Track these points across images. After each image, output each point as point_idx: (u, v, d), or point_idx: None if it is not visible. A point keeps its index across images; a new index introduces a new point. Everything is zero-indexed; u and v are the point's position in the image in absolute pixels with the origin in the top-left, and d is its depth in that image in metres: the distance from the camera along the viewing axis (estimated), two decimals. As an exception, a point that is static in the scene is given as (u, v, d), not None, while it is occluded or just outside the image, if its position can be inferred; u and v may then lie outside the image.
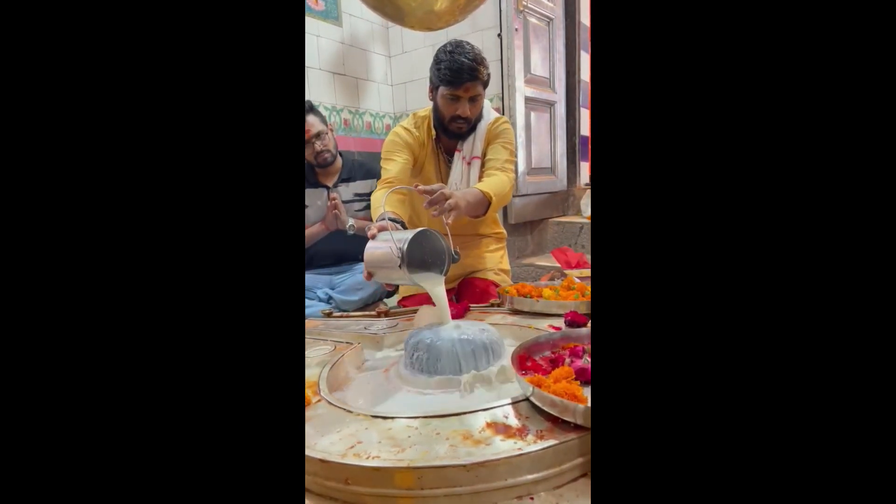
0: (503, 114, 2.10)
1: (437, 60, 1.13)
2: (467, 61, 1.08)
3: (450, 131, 1.19)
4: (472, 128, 1.21)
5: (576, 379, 0.54)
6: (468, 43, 1.13)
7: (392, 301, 1.57)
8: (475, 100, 1.15)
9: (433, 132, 1.24)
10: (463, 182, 1.23)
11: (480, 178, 1.23)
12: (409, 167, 1.19)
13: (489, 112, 1.26)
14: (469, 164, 1.24)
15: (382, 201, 0.92)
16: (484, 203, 1.08)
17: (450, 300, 1.07)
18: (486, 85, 1.15)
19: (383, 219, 0.85)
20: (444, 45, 1.13)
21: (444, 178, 1.30)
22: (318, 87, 2.12)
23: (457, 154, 1.24)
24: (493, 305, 1.05)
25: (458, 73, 1.09)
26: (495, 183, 1.13)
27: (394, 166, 1.16)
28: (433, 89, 1.18)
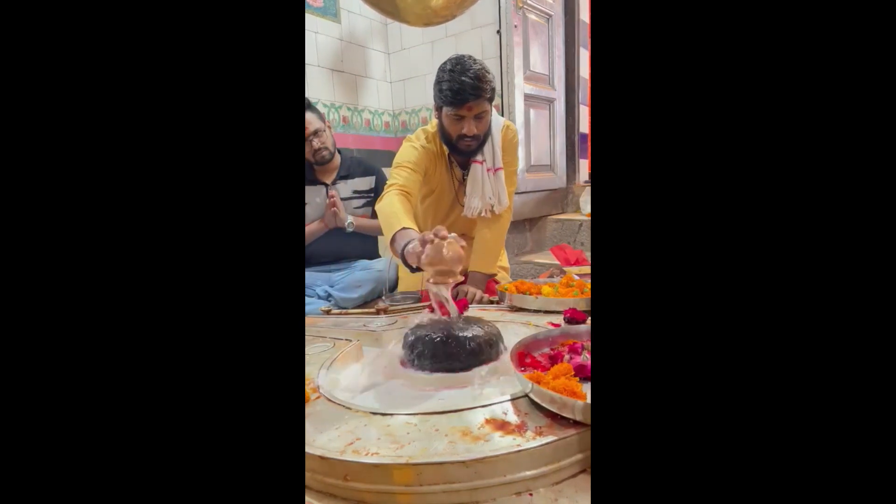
0: (502, 111, 2.10)
1: (439, 80, 1.09)
2: (468, 80, 1.04)
3: (458, 149, 1.16)
4: (482, 143, 1.18)
5: (574, 375, 0.54)
6: (470, 57, 1.08)
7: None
8: (481, 117, 1.11)
9: (445, 148, 1.22)
10: (495, 195, 1.22)
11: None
12: (419, 181, 1.18)
13: (497, 117, 1.24)
14: (495, 173, 1.22)
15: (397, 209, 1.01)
16: (490, 277, 1.25)
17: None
18: (491, 100, 1.11)
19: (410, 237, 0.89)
20: (445, 63, 1.09)
21: (456, 190, 1.27)
22: (316, 84, 2.11)
23: (477, 166, 1.21)
24: (492, 302, 1.05)
25: (460, 93, 1.05)
26: (495, 252, 1.25)
27: (404, 175, 1.14)
28: (437, 108, 1.15)
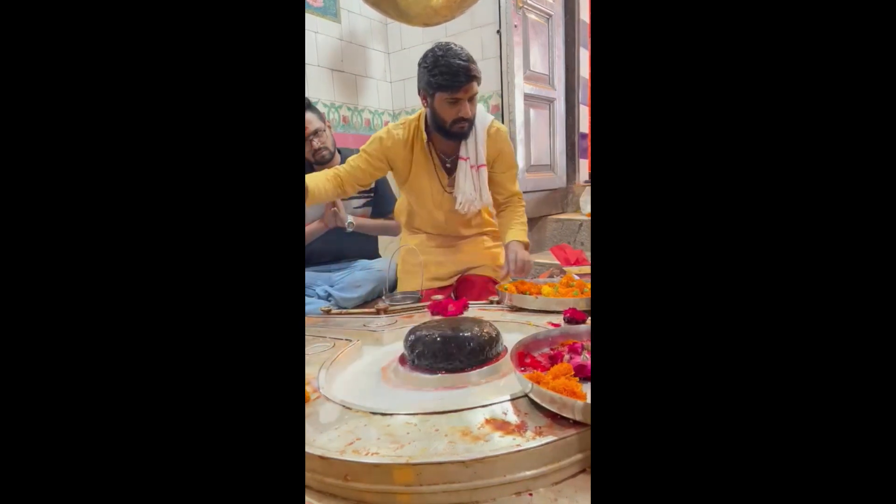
0: (502, 111, 2.10)
1: (430, 66, 1.10)
2: (462, 62, 1.07)
3: (453, 134, 1.18)
4: (472, 125, 1.20)
5: (574, 375, 0.54)
6: (454, 43, 1.12)
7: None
8: (473, 99, 1.15)
9: (423, 135, 1.23)
10: (477, 191, 1.24)
11: (495, 201, 1.31)
12: (367, 172, 1.24)
13: (482, 112, 1.25)
14: (478, 170, 1.23)
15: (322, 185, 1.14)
16: (525, 244, 1.28)
17: (448, 297, 1.07)
18: (479, 82, 1.15)
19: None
20: (433, 50, 1.11)
21: (442, 182, 1.29)
22: (316, 84, 2.11)
23: (462, 162, 1.23)
24: (491, 302, 1.05)
25: (457, 75, 1.08)
26: (524, 226, 1.29)
27: (355, 165, 1.22)
28: (427, 96, 1.16)
